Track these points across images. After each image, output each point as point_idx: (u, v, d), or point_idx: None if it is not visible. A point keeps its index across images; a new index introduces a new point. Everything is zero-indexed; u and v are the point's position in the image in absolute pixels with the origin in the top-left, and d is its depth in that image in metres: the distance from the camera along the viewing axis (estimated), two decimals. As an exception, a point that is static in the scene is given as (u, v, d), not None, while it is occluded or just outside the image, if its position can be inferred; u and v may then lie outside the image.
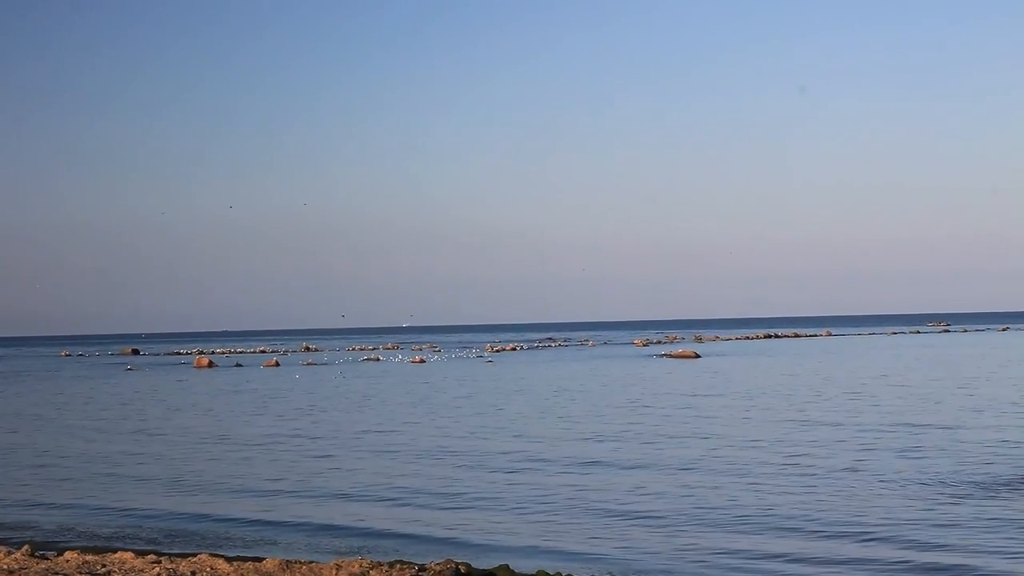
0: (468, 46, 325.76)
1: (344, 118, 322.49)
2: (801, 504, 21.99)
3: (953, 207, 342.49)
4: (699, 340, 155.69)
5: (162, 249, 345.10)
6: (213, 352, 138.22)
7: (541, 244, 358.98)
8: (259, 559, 16.86)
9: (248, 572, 15.91)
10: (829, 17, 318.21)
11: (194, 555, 17.36)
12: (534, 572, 16.12)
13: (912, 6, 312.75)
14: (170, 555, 17.74)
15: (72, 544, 19.54)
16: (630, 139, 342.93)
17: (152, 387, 71.87)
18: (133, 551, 17.83)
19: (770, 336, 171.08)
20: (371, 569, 15.72)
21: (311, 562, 16.38)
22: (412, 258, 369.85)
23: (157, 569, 16.15)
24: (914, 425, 35.57)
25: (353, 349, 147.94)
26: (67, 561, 16.99)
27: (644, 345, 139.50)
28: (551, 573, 16.06)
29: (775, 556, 17.80)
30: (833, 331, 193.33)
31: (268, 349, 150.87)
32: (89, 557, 17.26)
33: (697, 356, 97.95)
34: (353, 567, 15.77)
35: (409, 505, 23.33)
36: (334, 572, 15.68)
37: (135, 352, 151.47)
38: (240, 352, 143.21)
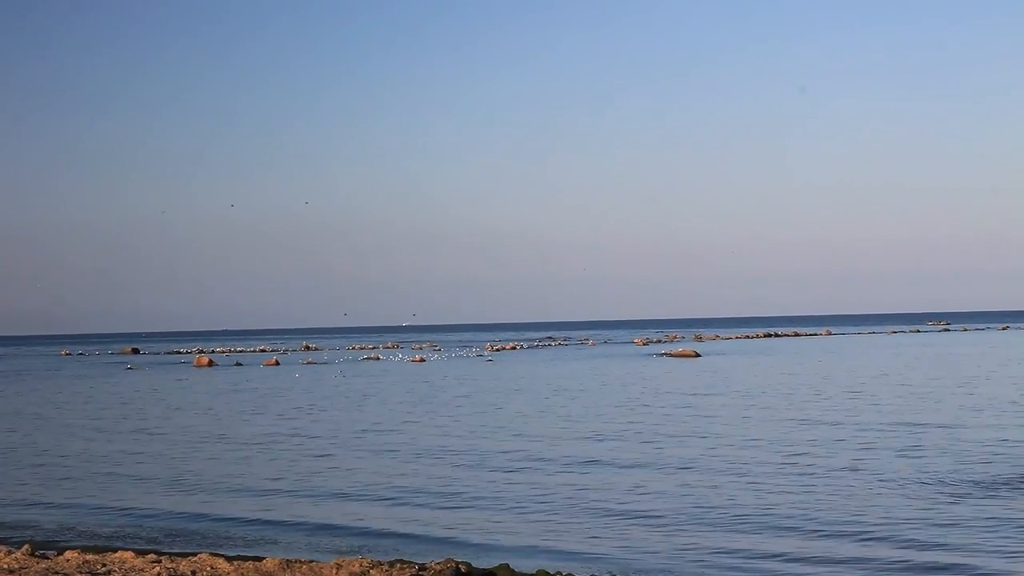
0: (468, 46, 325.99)
1: (344, 118, 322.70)
2: (800, 503, 22.00)
3: (953, 207, 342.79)
4: (699, 339, 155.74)
5: (162, 248, 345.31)
6: (213, 351, 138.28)
7: (541, 244, 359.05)
8: (259, 558, 16.88)
9: (248, 571, 15.93)
10: (829, 17, 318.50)
11: (194, 554, 17.38)
12: (534, 571, 16.14)
13: (912, 6, 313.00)
14: (170, 554, 17.76)
15: (72, 544, 19.56)
16: (630, 139, 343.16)
17: (152, 386, 71.89)
18: (133, 550, 17.84)
19: (770, 335, 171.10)
20: (371, 568, 15.74)
21: (311, 561, 16.40)
22: (412, 257, 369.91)
23: (157, 568, 16.17)
24: (914, 424, 35.59)
25: (353, 348, 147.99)
26: (67, 560, 17.01)
27: (644, 344, 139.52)
28: (551, 572, 16.08)
29: (774, 555, 17.82)
30: (833, 330, 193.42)
31: (268, 348, 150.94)
32: (89, 556, 17.28)
33: (697, 355, 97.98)
34: (353, 566, 15.79)
35: (409, 504, 23.35)
36: (334, 571, 15.69)
37: (135, 351, 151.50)
38: (240, 351, 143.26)
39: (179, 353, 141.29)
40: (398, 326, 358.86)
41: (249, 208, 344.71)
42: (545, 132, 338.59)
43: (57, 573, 16.13)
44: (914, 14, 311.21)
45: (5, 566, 16.53)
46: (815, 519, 20.44)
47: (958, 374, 62.81)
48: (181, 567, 16.28)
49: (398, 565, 16.01)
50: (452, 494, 24.37)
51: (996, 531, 19.07)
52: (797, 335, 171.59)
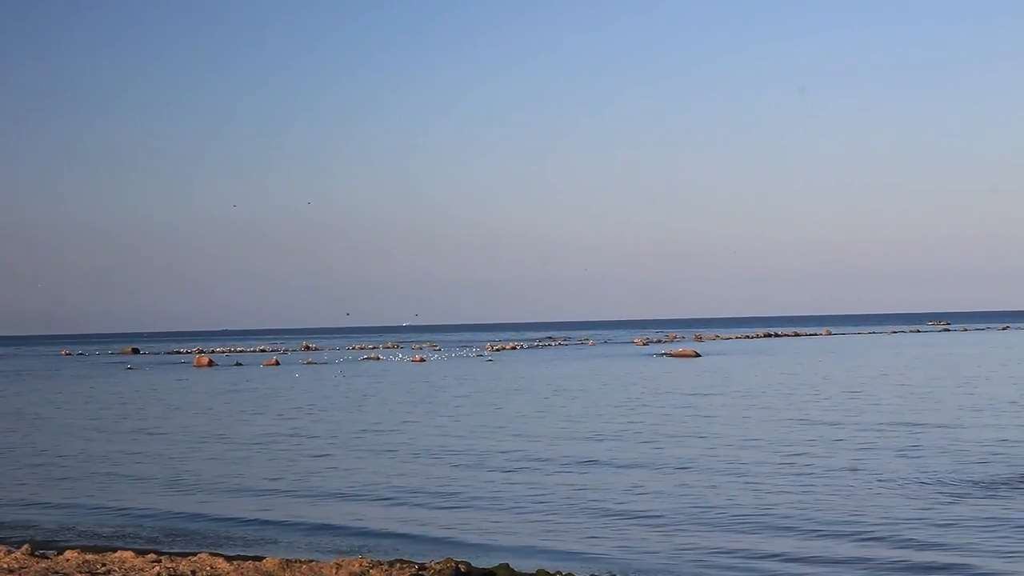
0: (468, 46, 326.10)
1: (344, 118, 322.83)
2: (800, 503, 22.02)
3: (953, 207, 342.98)
4: (699, 339, 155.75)
5: (162, 248, 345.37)
6: (213, 351, 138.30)
7: (541, 244, 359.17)
8: (259, 558, 16.89)
9: (248, 571, 15.95)
10: (829, 17, 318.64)
11: (194, 554, 17.39)
12: (534, 571, 16.16)
13: (912, 6, 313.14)
14: (170, 554, 17.77)
15: (72, 543, 19.57)
16: (630, 139, 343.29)
17: (152, 386, 71.90)
18: (133, 550, 17.86)
19: (770, 335, 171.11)
20: (371, 568, 15.75)
21: (311, 561, 16.41)
22: (412, 257, 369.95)
23: (157, 568, 16.18)
24: (913, 424, 35.60)
25: (353, 348, 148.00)
26: (67, 560, 17.02)
27: (644, 344, 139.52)
28: (551, 572, 16.10)
29: (773, 555, 17.83)
30: (833, 330, 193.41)
31: (268, 348, 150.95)
32: (89, 556, 17.29)
33: (697, 355, 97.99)
34: (353, 566, 15.80)
35: (408, 504, 23.36)
36: (334, 571, 15.71)
37: (135, 351, 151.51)
38: (240, 351, 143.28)
39: (179, 353, 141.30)
40: (398, 326, 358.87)
41: (249, 208, 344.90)
42: (545, 132, 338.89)
43: (57, 573, 16.15)
44: (914, 14, 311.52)
45: (5, 566, 16.55)
46: (814, 519, 20.45)
47: (958, 374, 62.83)
48: (181, 567, 16.29)
49: (398, 565, 16.02)
50: (451, 494, 24.39)
51: (995, 531, 19.09)
52: (797, 335, 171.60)
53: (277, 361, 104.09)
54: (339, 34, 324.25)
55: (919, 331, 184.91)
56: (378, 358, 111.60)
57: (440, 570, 15.75)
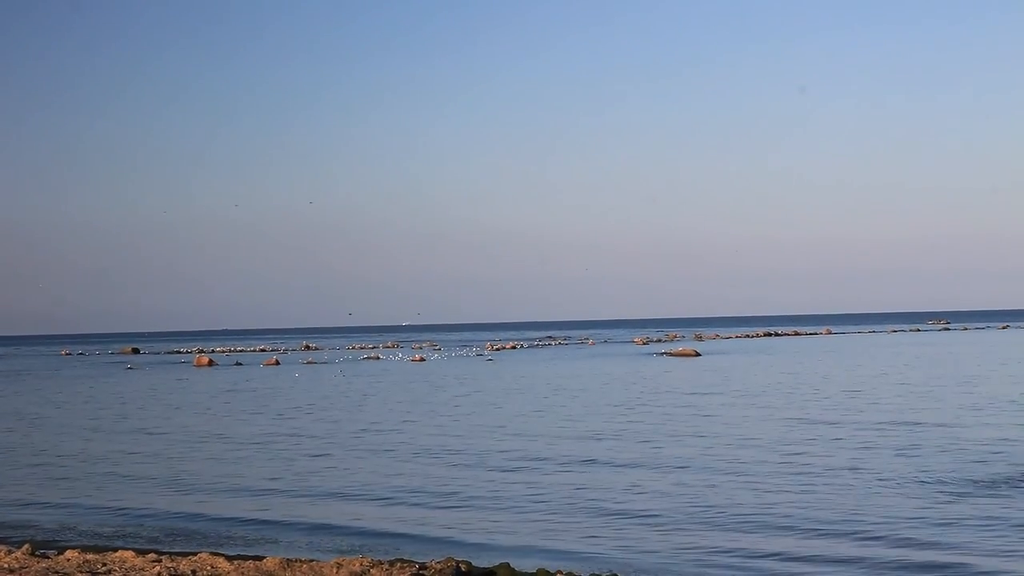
0: (468, 46, 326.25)
1: (344, 118, 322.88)
2: (799, 502, 22.03)
3: (953, 207, 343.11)
4: (699, 338, 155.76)
5: (163, 248, 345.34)
6: (213, 351, 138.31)
7: (541, 243, 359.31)
8: (260, 558, 16.91)
9: (249, 571, 15.96)
10: (829, 17, 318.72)
11: (194, 554, 17.40)
12: (534, 570, 16.17)
13: (912, 6, 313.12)
14: (171, 554, 17.78)
15: (72, 543, 19.58)
16: (630, 139, 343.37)
17: (152, 386, 71.92)
18: (134, 550, 17.87)
19: (770, 334, 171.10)
20: (372, 567, 15.77)
21: (311, 560, 16.42)
22: (412, 257, 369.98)
23: (158, 568, 16.20)
24: (913, 423, 35.62)
25: (353, 348, 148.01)
26: (68, 560, 17.03)
27: (644, 343, 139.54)
28: (551, 571, 16.11)
29: (773, 555, 17.84)
30: (833, 329, 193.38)
31: (268, 348, 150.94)
32: (90, 556, 17.30)
33: (697, 354, 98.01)
34: (354, 565, 15.82)
35: (408, 504, 23.37)
36: (335, 571, 15.72)
37: (135, 351, 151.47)
38: (240, 351, 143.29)
39: (179, 353, 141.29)
40: (398, 325, 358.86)
41: (249, 208, 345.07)
42: (545, 131, 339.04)
43: (57, 572, 16.16)
44: (914, 14, 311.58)
45: (5, 565, 16.56)
46: (814, 518, 20.47)
47: (958, 373, 62.85)
48: (181, 566, 16.31)
49: (398, 564, 16.04)
50: (451, 494, 24.40)
51: (995, 530, 19.10)
52: (797, 334, 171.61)
53: (277, 361, 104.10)
54: (340, 34, 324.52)
55: (919, 330, 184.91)
56: (378, 358, 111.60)
57: (441, 569, 15.77)
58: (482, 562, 16.79)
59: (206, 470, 29.38)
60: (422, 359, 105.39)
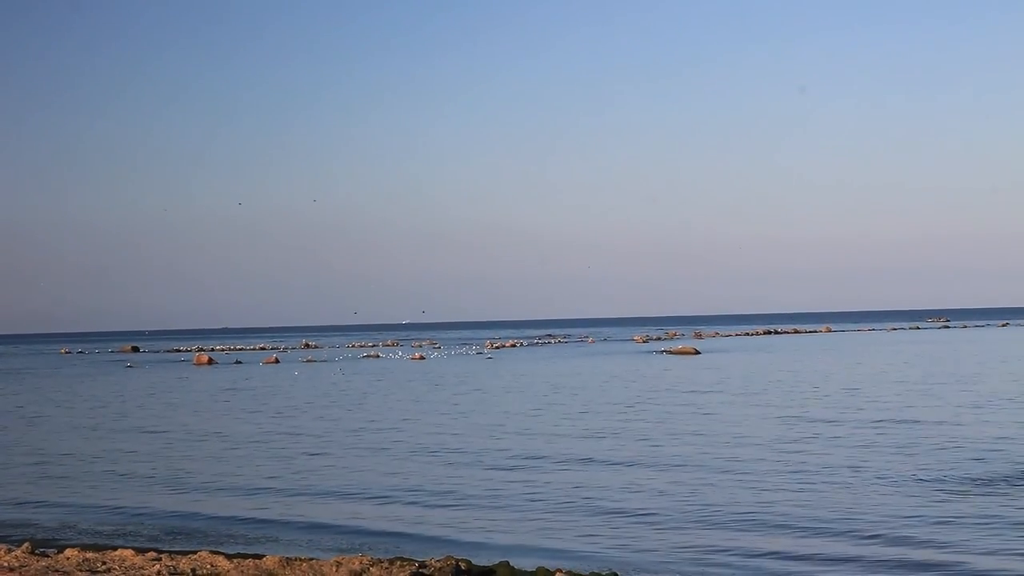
0: (469, 45, 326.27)
1: (345, 117, 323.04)
2: (798, 501, 22.05)
3: (953, 206, 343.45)
4: (699, 336, 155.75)
5: (163, 247, 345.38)
6: (213, 349, 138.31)
7: (541, 242, 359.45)
8: (259, 556, 16.91)
9: (249, 569, 15.98)
10: (829, 17, 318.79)
11: (194, 552, 17.41)
12: (534, 569, 16.19)
13: (912, 6, 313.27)
14: (170, 552, 17.79)
15: (72, 542, 19.60)
16: (630, 138, 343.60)
17: (152, 384, 71.93)
18: (133, 548, 17.88)
19: (770, 332, 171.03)
20: (371, 566, 15.78)
21: (311, 559, 16.43)
22: (413, 256, 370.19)
23: (157, 566, 16.21)
24: (912, 421, 35.64)
25: (353, 346, 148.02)
26: (67, 558, 17.05)
27: (644, 342, 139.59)
28: (551, 570, 16.13)
29: (772, 553, 17.86)
30: (833, 327, 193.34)
31: (268, 346, 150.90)
32: (89, 554, 17.32)
33: (697, 352, 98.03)
34: (353, 564, 15.83)
35: (407, 503, 23.39)
36: (335, 569, 15.74)
37: (135, 349, 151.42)
38: (240, 349, 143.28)
39: (179, 351, 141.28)
40: (398, 324, 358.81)
41: (249, 207, 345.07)
42: (545, 131, 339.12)
43: (57, 571, 16.18)
44: (914, 14, 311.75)
45: (5, 564, 16.58)
46: (812, 516, 20.49)
47: (957, 371, 62.86)
48: (181, 565, 16.32)
49: (398, 563, 16.05)
50: (450, 492, 24.42)
51: (994, 529, 19.11)
52: (797, 332, 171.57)
53: (277, 359, 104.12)
54: (340, 34, 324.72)
55: (919, 328, 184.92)
56: (378, 356, 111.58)
57: (440, 568, 15.79)
58: (481, 561, 16.80)
59: (205, 469, 29.40)
60: (422, 357, 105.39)
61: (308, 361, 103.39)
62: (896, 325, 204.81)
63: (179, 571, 16.02)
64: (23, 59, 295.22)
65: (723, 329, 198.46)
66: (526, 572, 16.13)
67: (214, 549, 18.17)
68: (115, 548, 18.05)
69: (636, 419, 39.45)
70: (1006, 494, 22.22)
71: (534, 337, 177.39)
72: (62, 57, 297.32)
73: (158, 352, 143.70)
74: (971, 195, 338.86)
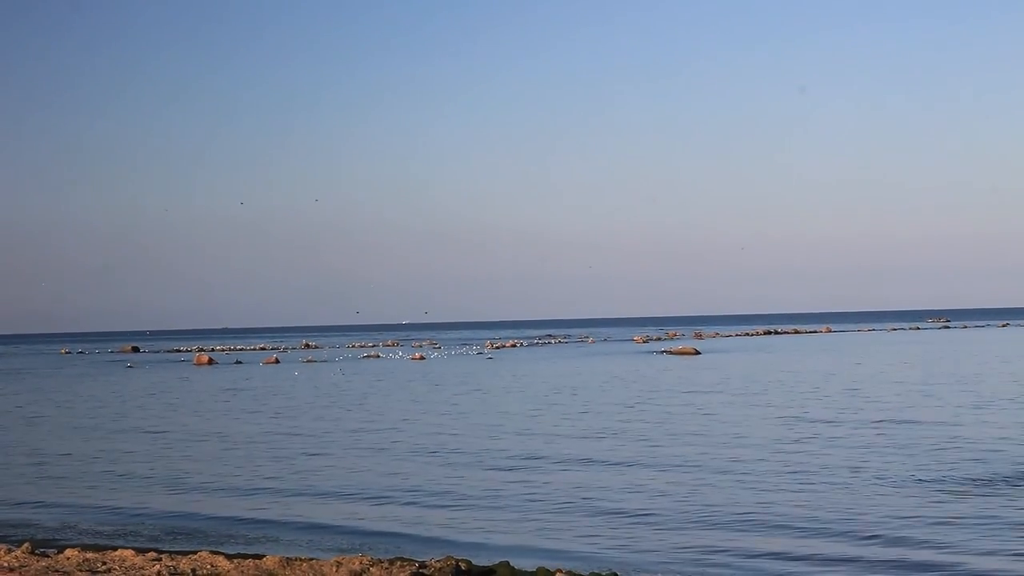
0: (468, 45, 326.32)
1: (345, 117, 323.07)
2: (798, 501, 22.06)
3: (953, 205, 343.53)
4: (699, 337, 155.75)
5: (163, 247, 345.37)
6: (213, 349, 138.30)
7: (541, 241, 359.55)
8: (259, 556, 16.93)
9: (249, 569, 15.99)
10: (829, 17, 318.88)
11: (195, 552, 17.42)
12: (534, 569, 16.20)
13: (912, 6, 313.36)
14: (170, 552, 17.80)
15: (72, 542, 19.60)
16: (630, 138, 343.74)
17: (152, 385, 71.95)
18: (134, 548, 17.88)
19: (770, 332, 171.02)
20: (372, 566, 15.79)
21: (311, 559, 16.44)
22: (413, 255, 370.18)
23: (158, 567, 16.22)
24: (912, 422, 35.64)
25: (353, 346, 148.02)
26: (67, 559, 17.06)
27: (644, 342, 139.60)
28: (551, 570, 16.14)
29: (772, 554, 17.87)
30: (833, 327, 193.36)
31: (268, 346, 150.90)
32: (89, 555, 17.33)
33: (697, 353, 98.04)
34: (353, 564, 15.84)
35: (407, 503, 23.40)
36: (335, 569, 15.75)
37: (135, 349, 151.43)
38: (240, 349, 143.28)
39: (179, 351, 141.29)
40: (398, 324, 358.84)
41: (249, 206, 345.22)
42: (546, 131, 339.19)
43: (57, 571, 16.19)
44: (914, 14, 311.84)
45: (5, 564, 16.59)
46: (812, 517, 20.49)
47: (957, 371, 62.87)
48: (181, 565, 16.33)
49: (398, 563, 16.06)
50: (450, 493, 24.42)
51: (994, 529, 19.12)
52: (797, 332, 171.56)
53: (277, 359, 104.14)
54: (342, 33, 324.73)
55: (919, 328, 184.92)
56: (378, 356, 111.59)
57: (441, 568, 15.79)
58: (481, 561, 16.80)
59: (205, 469, 29.41)
60: (422, 358, 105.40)
61: (308, 361, 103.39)
62: (896, 325, 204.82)
63: (179, 571, 16.03)
64: (23, 59, 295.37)
65: (723, 329, 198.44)
66: (526, 572, 16.13)
67: (214, 549, 18.18)
68: (115, 548, 18.06)
69: (636, 419, 39.45)
70: (1006, 495, 22.21)
71: (534, 337, 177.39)
72: (62, 57, 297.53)
73: (158, 352, 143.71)
74: (971, 195, 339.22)
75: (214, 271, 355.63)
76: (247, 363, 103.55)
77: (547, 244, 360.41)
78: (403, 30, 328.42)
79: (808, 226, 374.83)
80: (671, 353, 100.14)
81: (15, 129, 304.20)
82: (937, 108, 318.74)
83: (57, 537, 20.55)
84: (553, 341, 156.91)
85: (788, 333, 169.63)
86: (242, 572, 15.90)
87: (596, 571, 16.61)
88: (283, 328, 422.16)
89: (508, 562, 16.50)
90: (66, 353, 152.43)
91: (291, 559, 16.38)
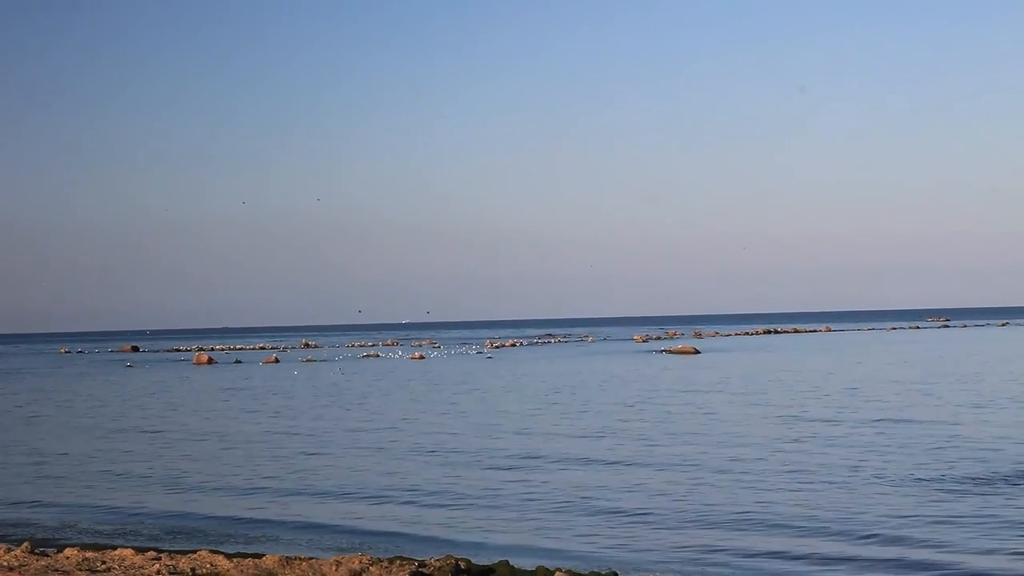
0: (469, 45, 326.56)
1: (346, 116, 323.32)
2: (797, 501, 22.07)
3: (953, 205, 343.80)
4: (699, 336, 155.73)
5: (164, 246, 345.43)
6: (212, 349, 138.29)
7: (541, 241, 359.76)
8: (259, 555, 16.94)
9: (248, 568, 16.00)
10: (829, 17, 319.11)
11: (194, 552, 17.43)
12: (533, 568, 16.21)
13: (912, 6, 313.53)
14: (170, 552, 17.81)
15: (72, 541, 19.62)
16: (631, 138, 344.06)
17: (151, 384, 71.96)
18: (133, 548, 17.90)
19: (770, 332, 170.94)
20: (371, 565, 15.80)
21: (311, 558, 16.45)
22: (413, 255, 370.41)
23: (157, 566, 16.23)
24: (911, 421, 35.65)
25: (353, 346, 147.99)
26: (67, 558, 17.07)
27: (643, 341, 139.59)
28: (551, 569, 16.15)
29: (771, 553, 17.88)
30: (832, 326, 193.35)
31: (268, 346, 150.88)
32: (89, 554, 17.34)
33: (697, 352, 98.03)
34: (353, 563, 15.86)
35: (406, 503, 23.41)
36: (334, 568, 15.76)
37: (135, 349, 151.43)
38: (240, 349, 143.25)
39: (179, 351, 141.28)
40: (398, 323, 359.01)
41: (250, 206, 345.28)
42: (546, 131, 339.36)
43: (57, 570, 16.20)
44: (914, 14, 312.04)
45: (5, 563, 16.60)
46: (811, 516, 20.50)
47: (957, 370, 62.87)
48: (181, 564, 16.34)
49: (398, 562, 16.08)
50: (449, 492, 24.43)
51: (993, 528, 19.13)
52: (797, 331, 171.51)
53: (277, 359, 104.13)
54: (344, 33, 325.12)
55: (918, 327, 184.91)
56: (377, 355, 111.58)
57: (440, 567, 15.81)
58: (480, 560, 16.81)
59: (205, 468, 29.42)
60: (421, 357, 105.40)
61: (308, 361, 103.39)
62: (896, 324, 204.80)
63: (179, 570, 16.04)
64: (23, 59, 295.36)
65: (723, 328, 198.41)
66: (526, 572, 16.14)
67: (214, 548, 18.19)
68: (115, 547, 18.07)
69: (635, 419, 39.46)
70: (1005, 494, 22.22)
71: (534, 336, 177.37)
72: (62, 57, 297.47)
73: (158, 352, 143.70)
74: (971, 195, 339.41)
75: (214, 271, 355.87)
76: (247, 362, 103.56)
77: (547, 243, 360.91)
78: (403, 30, 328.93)
79: (808, 226, 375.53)
80: (671, 352, 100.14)
81: (15, 129, 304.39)
82: (937, 108, 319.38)
83: (56, 536, 20.55)
84: (553, 340, 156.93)
85: (788, 332, 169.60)
86: (242, 571, 15.91)
87: (596, 570, 16.63)
88: (283, 327, 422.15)
89: (507, 561, 16.51)
90: (66, 352, 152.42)
91: (291, 558, 16.39)
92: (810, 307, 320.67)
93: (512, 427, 37.64)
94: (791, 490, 23.29)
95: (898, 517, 20.18)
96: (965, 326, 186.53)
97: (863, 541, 18.51)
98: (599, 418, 40.04)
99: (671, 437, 33.47)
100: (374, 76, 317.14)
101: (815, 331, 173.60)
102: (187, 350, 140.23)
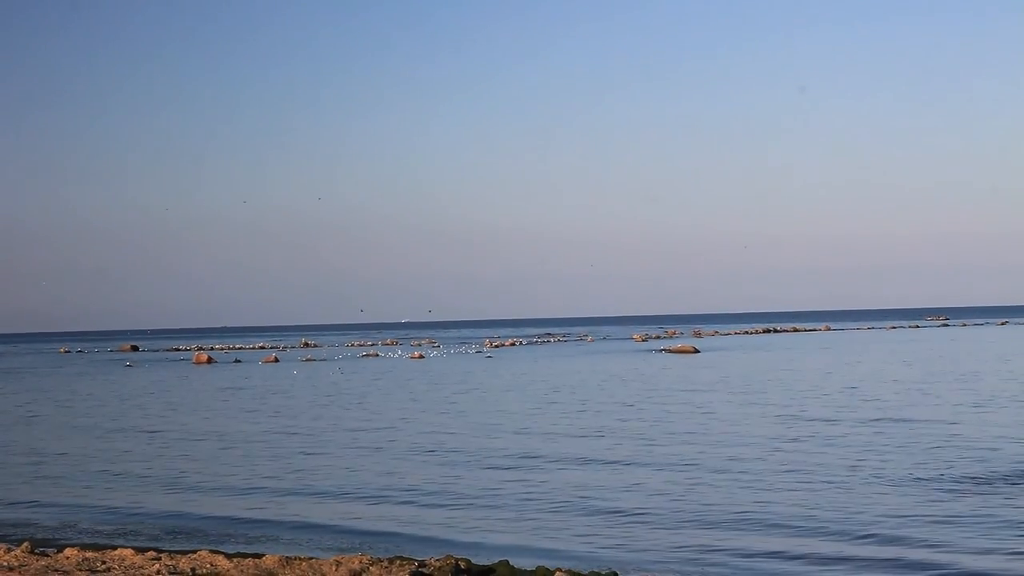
0: (469, 45, 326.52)
1: (345, 116, 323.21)
2: (795, 500, 22.09)
3: (952, 204, 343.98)
4: (698, 335, 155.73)
5: (163, 246, 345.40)
6: (212, 348, 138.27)
7: (541, 240, 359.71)
8: (259, 555, 16.96)
9: (248, 568, 16.02)
10: (828, 16, 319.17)
11: (194, 552, 17.45)
12: (533, 568, 16.23)
13: (912, 6, 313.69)
14: (170, 552, 17.83)
15: (72, 541, 19.63)
16: (630, 137, 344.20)
17: (151, 384, 71.97)
18: (133, 548, 17.91)
19: (769, 331, 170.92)
20: (371, 565, 15.83)
21: (311, 558, 16.47)
22: (413, 254, 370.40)
23: (157, 566, 16.25)
24: (911, 420, 35.66)
25: (352, 345, 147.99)
26: (67, 558, 17.09)
27: (643, 340, 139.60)
28: (551, 568, 16.17)
29: (769, 553, 17.90)
30: (832, 326, 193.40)
31: (267, 345, 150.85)
32: (89, 554, 17.36)
33: (696, 351, 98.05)
34: (353, 563, 15.88)
35: (406, 502, 23.43)
36: (334, 568, 15.79)
37: (134, 348, 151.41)
38: (239, 348, 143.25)
39: (178, 350, 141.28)
40: (397, 323, 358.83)
41: (249, 205, 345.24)
42: (546, 130, 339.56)
43: (57, 570, 16.22)
44: (914, 14, 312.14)
45: (5, 563, 16.62)
46: (810, 516, 20.52)
47: (956, 369, 62.89)
48: (181, 564, 16.36)
49: (397, 562, 16.10)
50: (449, 492, 24.45)
51: (992, 528, 19.15)
52: (796, 331, 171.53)
53: (276, 358, 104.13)
54: (342, 32, 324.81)
55: (918, 326, 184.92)
56: (377, 355, 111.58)
57: (440, 567, 15.83)
58: (479, 560, 16.84)
59: (204, 468, 29.44)
60: (421, 356, 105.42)
61: (307, 360, 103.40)
62: (895, 324, 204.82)
63: (179, 570, 16.07)
64: (23, 59, 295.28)
65: (722, 328, 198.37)
66: (525, 571, 16.16)
67: (214, 548, 18.21)
68: (115, 547, 18.09)
69: (634, 418, 39.48)
70: (1004, 493, 22.24)
71: (533, 336, 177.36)
72: (62, 57, 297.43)
73: (158, 351, 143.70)
74: (971, 194, 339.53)
75: (214, 270, 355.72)
76: (246, 362, 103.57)
77: (547, 243, 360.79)
78: (403, 29, 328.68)
79: (808, 225, 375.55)
80: (670, 351, 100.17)
81: (15, 129, 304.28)
82: (937, 108, 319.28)
83: (56, 536, 20.57)
84: (552, 340, 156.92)
85: (787, 331, 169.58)
86: (242, 571, 15.93)
87: (595, 570, 16.65)
88: (282, 327, 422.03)
89: (507, 561, 16.54)
90: (65, 352, 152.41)
91: (290, 558, 16.42)
92: (810, 306, 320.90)
93: (511, 426, 37.66)
94: (789, 490, 23.32)
95: (896, 517, 20.21)
96: (965, 325, 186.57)
97: (861, 541, 18.54)
98: (598, 417, 40.06)
99: (670, 436, 33.49)
100: (374, 75, 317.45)
101: (815, 330, 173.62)
102: (187, 349, 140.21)
